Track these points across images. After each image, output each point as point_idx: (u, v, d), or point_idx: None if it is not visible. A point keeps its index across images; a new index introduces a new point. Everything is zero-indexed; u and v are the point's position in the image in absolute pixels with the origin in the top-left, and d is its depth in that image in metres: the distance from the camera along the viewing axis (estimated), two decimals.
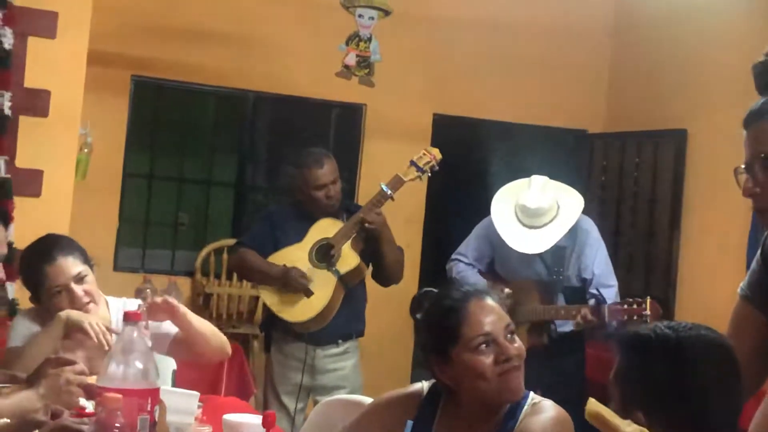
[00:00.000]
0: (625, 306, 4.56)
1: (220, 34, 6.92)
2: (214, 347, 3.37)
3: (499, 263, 4.94)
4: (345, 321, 4.80)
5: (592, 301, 4.67)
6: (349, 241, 4.72)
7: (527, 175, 4.99)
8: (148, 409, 2.18)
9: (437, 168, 4.84)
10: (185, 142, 7.57)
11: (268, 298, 4.79)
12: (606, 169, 7.37)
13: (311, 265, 4.71)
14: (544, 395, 2.49)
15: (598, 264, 4.77)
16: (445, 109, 7.43)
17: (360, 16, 7.19)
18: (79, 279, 3.28)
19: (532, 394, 2.46)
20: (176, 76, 6.96)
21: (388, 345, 6.74)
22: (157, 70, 6.89)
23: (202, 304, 6.78)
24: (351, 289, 4.79)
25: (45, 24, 4.96)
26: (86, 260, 3.35)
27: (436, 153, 4.83)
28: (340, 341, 4.83)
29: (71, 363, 2.50)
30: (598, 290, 4.68)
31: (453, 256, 5.05)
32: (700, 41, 6.64)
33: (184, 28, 6.85)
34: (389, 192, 4.72)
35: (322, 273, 4.70)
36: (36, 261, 3.30)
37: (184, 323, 3.27)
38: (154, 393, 2.20)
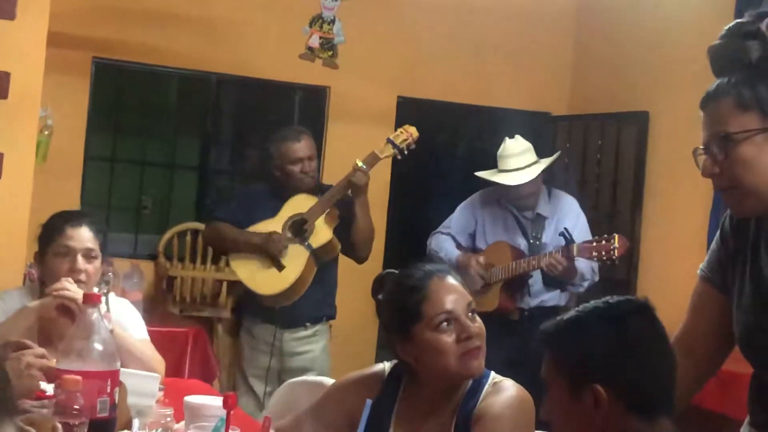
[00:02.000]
0: (594, 243, 4.63)
1: (182, 16, 6.87)
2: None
3: (481, 235, 5.01)
4: (315, 303, 4.80)
5: (561, 242, 4.72)
6: (323, 216, 4.71)
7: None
8: (108, 391, 2.17)
9: (414, 146, 4.83)
10: (148, 124, 7.53)
11: (240, 270, 4.78)
12: (569, 151, 7.40)
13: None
14: (505, 372, 2.51)
15: (579, 233, 4.83)
16: (410, 91, 7.43)
17: None
18: (89, 254, 3.27)
19: (492, 373, 2.48)
20: (138, 59, 6.91)
21: (352, 327, 6.73)
22: (119, 52, 6.83)
23: (165, 288, 6.75)
24: (323, 269, 4.77)
25: (4, 5, 4.88)
26: (103, 249, 3.35)
27: (413, 131, 4.82)
28: (308, 324, 4.82)
29: (30, 347, 2.49)
30: (565, 229, 4.72)
31: (435, 230, 5.12)
32: (662, 24, 6.68)
33: (146, 9, 6.79)
34: (365, 168, 4.69)
35: (294, 247, 4.69)
36: (62, 219, 3.33)
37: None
38: (114, 375, 2.19)
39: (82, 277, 3.21)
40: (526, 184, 4.85)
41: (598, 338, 1.89)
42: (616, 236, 4.61)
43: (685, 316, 2.30)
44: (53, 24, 5.04)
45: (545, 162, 4.94)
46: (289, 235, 4.72)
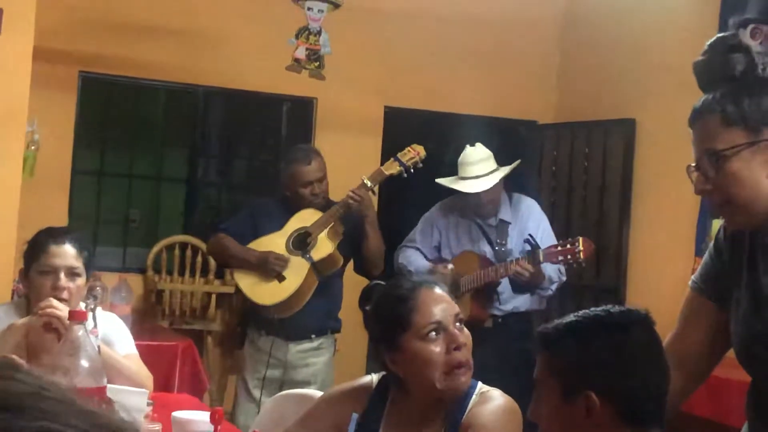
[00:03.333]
0: (559, 247, 4.66)
1: (169, 29, 6.87)
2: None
3: (445, 246, 5.04)
4: (319, 315, 4.84)
5: (526, 248, 4.75)
6: (326, 230, 4.76)
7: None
8: None
9: (420, 165, 4.86)
10: (135, 138, 7.51)
11: (242, 280, 4.84)
12: (556, 159, 7.41)
13: (287, 252, 4.76)
14: (484, 379, 2.51)
15: (542, 236, 4.85)
16: (397, 101, 7.43)
17: (309, 9, 7.16)
18: (72, 273, 3.26)
19: (480, 383, 2.48)
20: (124, 72, 6.90)
21: (342, 338, 6.73)
22: (105, 66, 6.82)
23: (154, 301, 6.74)
24: (327, 282, 4.82)
25: None
26: (87, 266, 3.33)
27: (421, 150, 4.86)
28: (313, 336, 4.86)
29: (19, 363, 2.47)
30: (530, 236, 4.74)
31: (401, 245, 5.14)
32: (647, 32, 6.70)
33: (132, 23, 6.78)
34: (370, 184, 4.74)
35: (296, 260, 4.75)
36: (45, 236, 3.32)
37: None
38: (100, 391, 2.19)
39: (65, 294, 3.20)
40: (484, 192, 4.88)
41: (598, 346, 1.89)
42: (581, 239, 4.65)
43: (675, 327, 2.30)
44: (39, 39, 5.05)
45: (504, 170, 4.96)
46: (291, 247, 4.76)
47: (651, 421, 1.88)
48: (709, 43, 2.09)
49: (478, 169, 4.92)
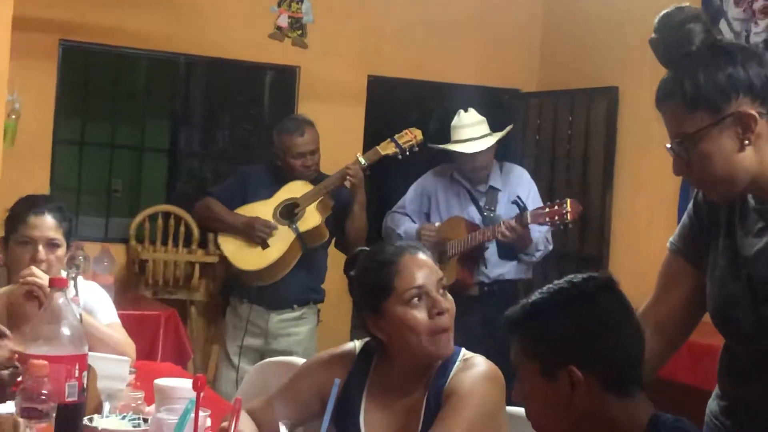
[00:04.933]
0: (546, 209, 4.69)
1: None
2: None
3: (435, 212, 5.06)
4: (300, 286, 4.87)
5: (515, 211, 4.76)
6: (315, 203, 4.78)
7: None
8: (76, 375, 2.15)
9: (416, 149, 4.88)
10: (117, 107, 7.45)
11: (226, 245, 4.87)
12: (540, 127, 7.41)
13: (273, 221, 4.78)
14: (470, 347, 2.51)
15: (531, 203, 4.86)
16: (380, 70, 7.40)
17: None
18: (51, 244, 3.26)
19: (463, 350, 2.48)
20: (106, 40, 6.84)
21: (326, 308, 6.73)
22: (86, 35, 6.76)
23: (137, 271, 6.72)
24: (311, 253, 4.84)
25: None
26: (68, 236, 3.32)
27: (418, 134, 4.90)
28: (295, 306, 4.87)
29: (3, 332, 2.48)
30: (518, 197, 4.75)
31: (390, 210, 5.16)
32: None
33: None
34: (364, 162, 4.76)
35: (282, 229, 4.78)
36: (25, 206, 3.31)
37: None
38: (81, 359, 2.18)
39: (44, 267, 3.19)
40: (480, 155, 4.91)
41: (569, 319, 1.87)
42: (569, 201, 4.68)
43: (653, 291, 2.30)
44: (18, 7, 4.99)
45: (498, 135, 4.98)
46: (278, 217, 4.78)
47: (633, 384, 1.88)
48: (657, 21, 2.08)
49: (472, 132, 4.95)
